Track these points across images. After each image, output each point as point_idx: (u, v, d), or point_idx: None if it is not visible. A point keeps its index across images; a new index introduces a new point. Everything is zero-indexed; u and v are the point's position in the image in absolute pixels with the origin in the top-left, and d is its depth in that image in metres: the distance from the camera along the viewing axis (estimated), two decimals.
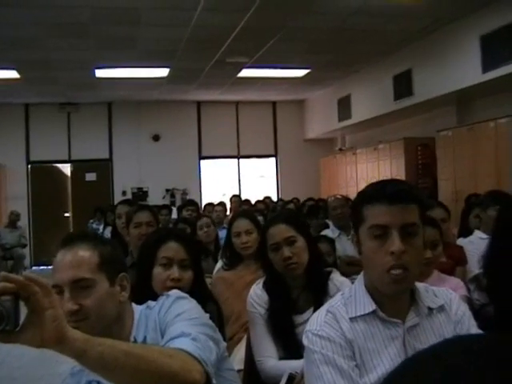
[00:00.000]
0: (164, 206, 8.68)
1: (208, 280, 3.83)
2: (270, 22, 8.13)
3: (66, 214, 14.25)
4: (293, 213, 4.82)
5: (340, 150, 14.08)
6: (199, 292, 2.39)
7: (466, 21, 8.29)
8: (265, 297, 2.77)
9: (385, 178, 1.78)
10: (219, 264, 4.20)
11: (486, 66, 7.97)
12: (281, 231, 2.77)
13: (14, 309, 1.29)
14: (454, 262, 4.27)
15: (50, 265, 1.82)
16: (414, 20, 8.29)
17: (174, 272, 2.46)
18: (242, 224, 3.83)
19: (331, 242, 4.64)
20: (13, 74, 10.62)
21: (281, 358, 2.68)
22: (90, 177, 14.19)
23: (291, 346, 2.63)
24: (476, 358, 0.56)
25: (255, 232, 3.73)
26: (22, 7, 7.22)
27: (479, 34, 8.08)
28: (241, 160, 14.98)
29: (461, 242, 4.90)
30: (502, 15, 7.62)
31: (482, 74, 8.09)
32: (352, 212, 1.86)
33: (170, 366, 1.45)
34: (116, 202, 7.44)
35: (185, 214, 7.14)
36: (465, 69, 8.47)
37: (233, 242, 3.78)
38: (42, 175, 14.06)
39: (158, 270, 2.49)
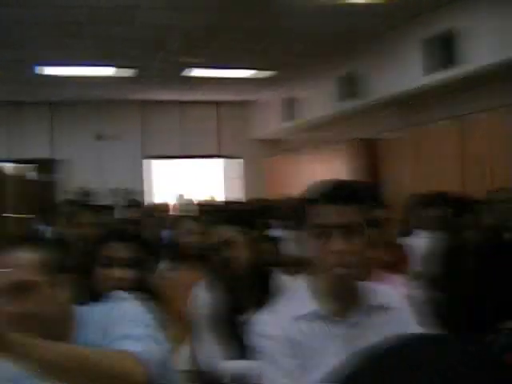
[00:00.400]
0: (107, 206, 8.58)
1: (152, 280, 3.78)
2: (216, 23, 8.11)
3: (6, 215, 13.91)
4: (235, 213, 4.83)
5: (285, 150, 14.15)
6: (142, 292, 2.37)
7: (410, 25, 8.44)
8: (208, 297, 2.76)
9: (328, 179, 1.79)
10: (163, 264, 4.18)
11: (428, 70, 8.13)
12: (222, 232, 2.76)
13: None
14: (396, 261, 4.34)
15: None
16: (359, 22, 8.38)
17: (116, 272, 2.43)
18: (186, 224, 3.83)
19: (275, 241, 4.66)
20: None
21: (225, 359, 2.68)
22: (32, 176, 13.91)
23: (235, 346, 2.63)
24: (413, 358, 0.56)
25: (199, 232, 3.72)
26: None
27: (422, 38, 8.25)
28: (186, 160, 14.91)
29: (402, 241, 5.00)
30: (444, 20, 7.79)
31: (423, 76, 8.25)
32: (296, 212, 1.87)
33: (114, 368, 1.44)
34: (59, 203, 7.32)
35: (128, 214, 7.07)
36: (408, 71, 8.62)
37: (176, 242, 3.77)
38: None
39: (99, 270, 2.45)
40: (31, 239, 1.82)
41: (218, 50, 9.46)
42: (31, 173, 13.87)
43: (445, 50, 7.74)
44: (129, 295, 1.89)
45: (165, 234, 5.57)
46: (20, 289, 1.69)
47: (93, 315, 1.82)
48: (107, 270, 2.44)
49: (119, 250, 2.47)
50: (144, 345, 1.60)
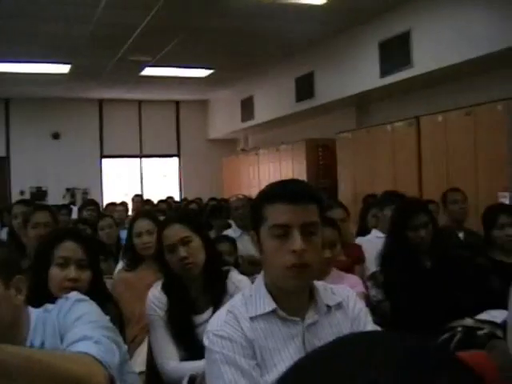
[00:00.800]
0: (63, 206, 8.46)
1: (109, 281, 3.77)
2: (173, 22, 8.08)
3: None
4: (188, 212, 4.81)
5: (243, 150, 14.17)
6: (98, 293, 2.35)
7: (366, 27, 8.54)
8: (164, 298, 2.74)
9: (286, 179, 1.81)
10: (120, 265, 4.14)
11: (384, 71, 8.25)
12: (176, 232, 2.75)
13: None
14: (353, 261, 4.39)
15: None
16: (317, 24, 8.44)
17: (71, 272, 2.39)
18: (144, 224, 3.79)
19: (233, 241, 4.67)
20: None
21: (182, 360, 2.67)
22: None
23: (192, 347, 2.63)
24: (365, 357, 0.56)
25: (155, 232, 3.70)
26: None
27: (378, 40, 8.36)
28: (143, 159, 14.82)
29: (359, 240, 5.05)
30: (399, 23, 7.91)
31: (380, 78, 8.36)
32: (252, 212, 1.87)
33: (74, 370, 1.42)
34: (14, 202, 7.19)
35: (85, 214, 6.98)
36: (364, 73, 8.73)
37: (134, 242, 3.74)
38: None
39: (54, 271, 2.42)
40: None
41: (176, 49, 9.41)
42: None
43: (400, 51, 7.86)
44: (85, 296, 1.87)
45: (123, 234, 5.52)
46: None
47: (49, 318, 1.79)
48: (62, 269, 2.40)
49: (74, 250, 2.43)
50: (102, 347, 1.59)
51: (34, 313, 1.84)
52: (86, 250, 2.46)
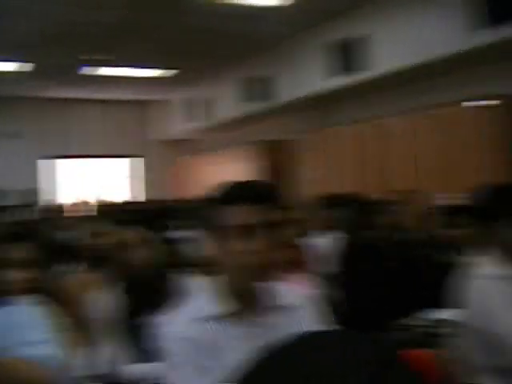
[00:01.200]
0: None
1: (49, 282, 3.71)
2: (129, 21, 7.99)
3: None
4: (134, 214, 4.75)
5: (191, 151, 14.13)
6: (40, 294, 2.27)
7: (324, 28, 8.59)
8: (107, 300, 2.70)
9: (234, 180, 1.81)
10: (61, 266, 4.08)
11: (341, 73, 8.31)
12: (132, 233, 2.71)
13: None
14: (298, 261, 4.40)
15: None
16: (274, 25, 8.46)
17: (12, 273, 2.32)
18: (86, 225, 3.80)
19: (176, 243, 4.63)
20: None
21: (125, 362, 2.63)
22: None
23: (135, 349, 2.60)
24: (318, 355, 0.56)
25: (98, 233, 3.72)
26: None
27: (325, 43, 8.44)
28: (106, 160, 14.66)
29: (306, 241, 5.06)
30: (358, 25, 7.98)
31: (327, 80, 8.45)
32: (200, 213, 1.87)
33: (17, 374, 1.38)
34: None
35: (24, 215, 6.88)
36: (313, 75, 8.79)
37: (76, 243, 3.72)
38: None
39: None
40: None
41: (122, 48, 9.33)
42: None
43: (357, 53, 7.93)
44: (26, 299, 1.81)
45: (62, 235, 5.43)
46: None
47: None
48: (2, 271, 2.32)
49: (14, 252, 2.36)
50: (44, 350, 1.55)
51: None
52: (25, 251, 2.38)
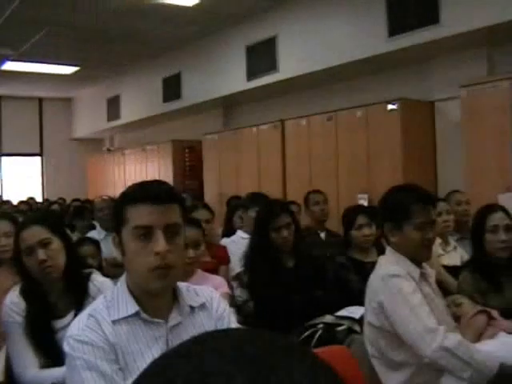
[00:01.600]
0: None
1: None
2: (36, 15, 7.80)
3: None
4: (48, 213, 4.65)
5: (108, 150, 13.89)
6: None
7: (234, 30, 8.65)
8: (22, 303, 2.61)
9: (148, 179, 1.78)
10: None
11: (251, 75, 8.39)
12: (34, 233, 2.63)
13: None
14: (218, 261, 4.42)
15: None
16: (186, 25, 8.44)
17: None
18: (1, 226, 3.62)
19: (96, 243, 4.56)
20: None
21: (43, 367, 2.56)
22: None
23: (52, 353, 2.53)
24: (222, 355, 0.57)
25: (14, 234, 3.55)
26: None
27: (245, 44, 8.49)
28: (3, 158, 14.14)
29: (224, 241, 5.09)
30: (266, 28, 8.07)
31: (246, 82, 8.49)
32: (114, 213, 1.84)
33: None
34: None
35: None
36: (231, 76, 8.83)
37: None
38: None
39: None
40: None
41: (40, 43, 9.07)
42: None
43: (266, 56, 8.03)
44: None
45: None
46: None
47: None
48: None
49: None
50: None
51: None
52: None
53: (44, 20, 8.06)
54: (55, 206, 8.99)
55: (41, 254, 2.56)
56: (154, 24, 8.28)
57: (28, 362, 2.54)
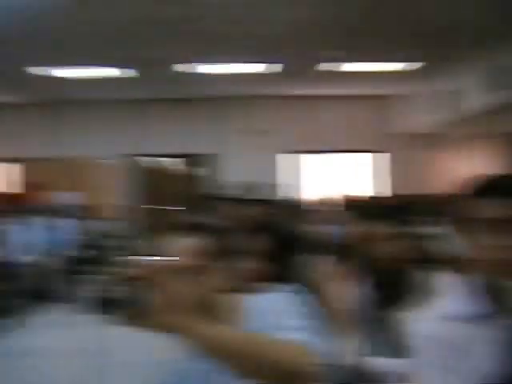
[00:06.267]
0: (262, 201, 8.75)
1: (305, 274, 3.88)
2: (368, 18, 8.06)
3: (174, 208, 14.45)
4: (380, 208, 4.68)
5: (440, 145, 13.60)
6: (297, 284, 2.33)
7: None
8: (354, 292, 2.70)
9: (495, 173, 1.62)
10: (317, 259, 4.19)
11: None
12: (367, 226, 2.68)
13: (145, 293, 1.39)
14: None
15: (160, 255, 1.87)
16: None
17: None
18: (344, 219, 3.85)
19: (421, 238, 4.48)
20: (130, 73, 11.16)
21: (371, 355, 2.59)
22: (199, 171, 14.65)
23: (380, 343, 2.56)
24: None
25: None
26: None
27: None
28: (343, 154, 14.84)
29: None
30: None
31: None
32: (458, 207, 1.75)
33: (289, 358, 1.46)
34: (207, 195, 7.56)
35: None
36: None
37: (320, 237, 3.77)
38: (153, 169, 14.58)
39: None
40: (195, 228, 1.90)
41: (362, 45, 9.38)
42: (197, 168, 14.46)
43: None
44: (289, 287, 1.90)
45: (311, 228, 5.55)
46: (186, 273, 1.75)
47: (259, 305, 1.85)
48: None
49: (256, 243, 2.43)
50: (311, 337, 1.61)
51: (244, 299, 1.90)
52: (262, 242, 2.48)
53: (382, 21, 8.28)
54: (396, 201, 9.08)
55: (382, 247, 2.62)
56: None
57: (366, 348, 2.60)
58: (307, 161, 14.74)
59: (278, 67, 10.90)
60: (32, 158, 14.12)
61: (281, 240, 2.64)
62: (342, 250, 3.68)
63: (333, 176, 14.78)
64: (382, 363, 2.54)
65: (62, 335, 6.99)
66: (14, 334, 7.12)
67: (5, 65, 10.30)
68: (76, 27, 8.19)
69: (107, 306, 1.36)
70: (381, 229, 2.70)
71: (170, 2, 7.21)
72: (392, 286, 2.68)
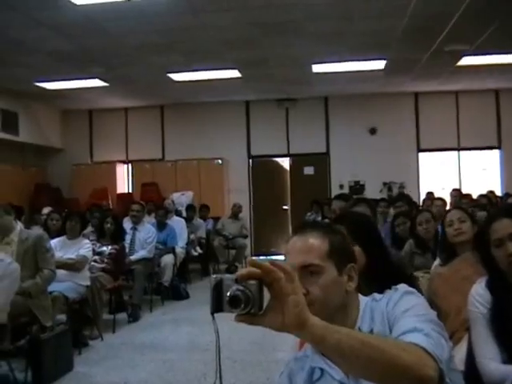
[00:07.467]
0: (382, 200, 8.63)
1: (426, 276, 3.81)
2: (489, 7, 7.71)
3: (285, 207, 14.67)
4: None
5: None
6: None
7: None
8: (487, 296, 2.61)
9: None
10: (437, 261, 4.12)
11: None
12: (504, 226, 2.60)
13: (259, 293, 1.37)
14: None
15: (269, 254, 1.86)
16: None
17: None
18: (454, 213, 3.83)
19: None
20: (234, 74, 11.32)
21: (504, 362, 2.52)
22: (308, 170, 14.55)
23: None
24: None
25: (469, 221, 3.74)
26: (239, 10, 7.67)
27: None
28: (461, 152, 14.31)
29: None
30: None
31: None
32: None
33: (404, 359, 1.40)
34: (333, 195, 7.60)
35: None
36: None
37: (446, 232, 3.75)
38: (262, 169, 14.69)
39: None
40: (322, 227, 1.88)
41: (494, 35, 8.94)
42: (308, 167, 14.47)
43: None
44: (414, 290, 1.85)
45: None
46: (308, 272, 1.75)
47: (377, 307, 1.81)
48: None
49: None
50: (432, 340, 1.53)
51: (363, 300, 1.87)
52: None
53: (496, 11, 7.90)
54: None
55: (510, 246, 2.53)
56: None
57: (490, 353, 2.52)
58: (426, 158, 14.37)
59: (382, 63, 10.77)
60: (146, 160, 14.80)
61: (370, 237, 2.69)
62: (469, 248, 3.55)
63: (454, 173, 14.35)
64: (503, 370, 2.43)
65: (182, 331, 7.18)
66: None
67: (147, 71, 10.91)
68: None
69: (227, 303, 1.36)
70: None
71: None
72: None
